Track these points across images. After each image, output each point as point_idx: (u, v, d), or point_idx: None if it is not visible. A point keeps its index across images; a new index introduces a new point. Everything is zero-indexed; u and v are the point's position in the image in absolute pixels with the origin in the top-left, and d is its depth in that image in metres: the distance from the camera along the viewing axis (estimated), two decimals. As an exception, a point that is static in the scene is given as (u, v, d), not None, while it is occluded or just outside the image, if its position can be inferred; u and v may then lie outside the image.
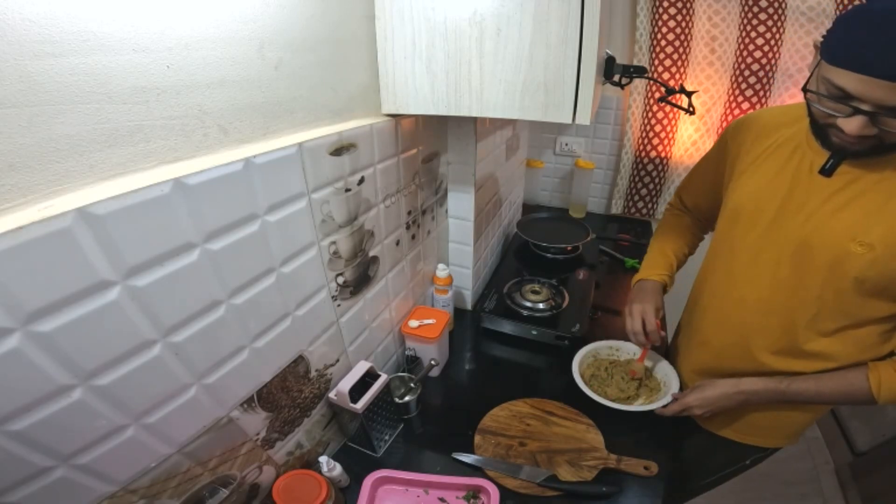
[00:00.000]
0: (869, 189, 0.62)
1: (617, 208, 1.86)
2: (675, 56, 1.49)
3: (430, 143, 0.94)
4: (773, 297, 0.74)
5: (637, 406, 0.88)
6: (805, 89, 0.61)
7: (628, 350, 1.03)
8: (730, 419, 0.90)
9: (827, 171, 0.65)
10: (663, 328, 0.97)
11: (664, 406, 0.86)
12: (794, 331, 0.73)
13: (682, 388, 0.91)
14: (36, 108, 0.35)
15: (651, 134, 1.64)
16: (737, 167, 0.81)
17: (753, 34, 1.42)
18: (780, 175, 0.72)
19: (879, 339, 0.70)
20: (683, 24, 1.45)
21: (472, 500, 0.76)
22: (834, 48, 0.53)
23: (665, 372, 0.96)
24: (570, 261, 1.44)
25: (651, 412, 0.87)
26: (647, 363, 1.00)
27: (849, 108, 0.54)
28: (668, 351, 1.09)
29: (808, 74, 0.62)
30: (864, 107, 0.52)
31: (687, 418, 0.87)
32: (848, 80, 0.52)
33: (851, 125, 0.54)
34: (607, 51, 0.85)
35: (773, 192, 0.72)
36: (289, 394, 0.69)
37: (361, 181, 0.73)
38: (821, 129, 0.62)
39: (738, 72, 1.49)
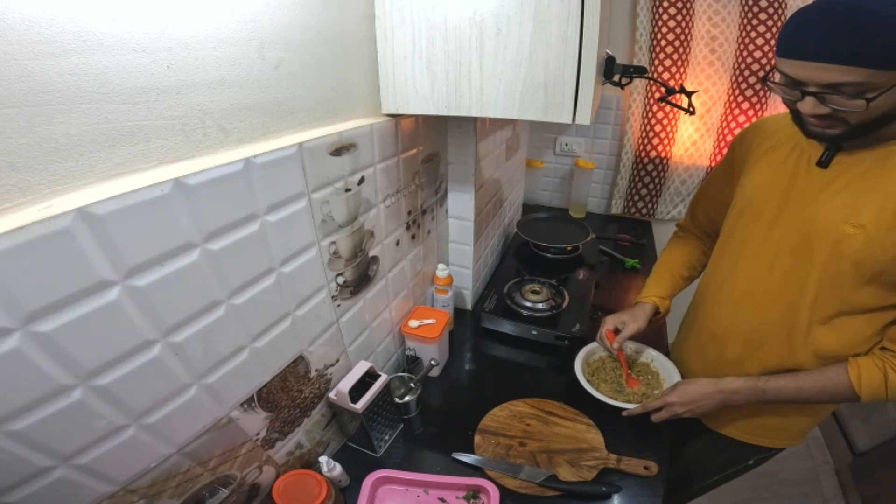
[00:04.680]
0: (860, 176, 0.65)
1: (617, 208, 1.86)
2: (675, 56, 1.49)
3: (430, 143, 0.94)
4: (775, 287, 0.75)
5: (627, 404, 0.88)
6: (763, 79, 0.67)
7: (630, 347, 1.03)
8: (736, 419, 0.90)
9: (823, 163, 0.69)
10: (658, 342, 0.99)
11: (642, 405, 0.86)
12: (796, 319, 0.74)
13: None
14: (36, 108, 0.35)
15: (651, 134, 1.64)
16: (744, 168, 0.83)
17: (753, 34, 1.42)
18: (780, 170, 0.75)
19: (875, 331, 0.70)
20: (683, 24, 1.45)
21: (472, 500, 0.76)
22: (778, 42, 0.63)
23: (668, 372, 0.96)
24: (570, 261, 1.44)
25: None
26: (654, 366, 1.00)
27: (798, 91, 0.61)
28: (675, 349, 1.09)
29: None
30: (809, 88, 0.59)
31: (693, 419, 0.87)
32: (789, 67, 0.60)
33: (805, 106, 0.61)
34: (607, 51, 0.85)
35: (774, 186, 0.75)
36: (289, 394, 0.69)
37: (361, 181, 0.73)
38: (797, 119, 0.67)
39: (738, 72, 1.49)
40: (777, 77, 0.65)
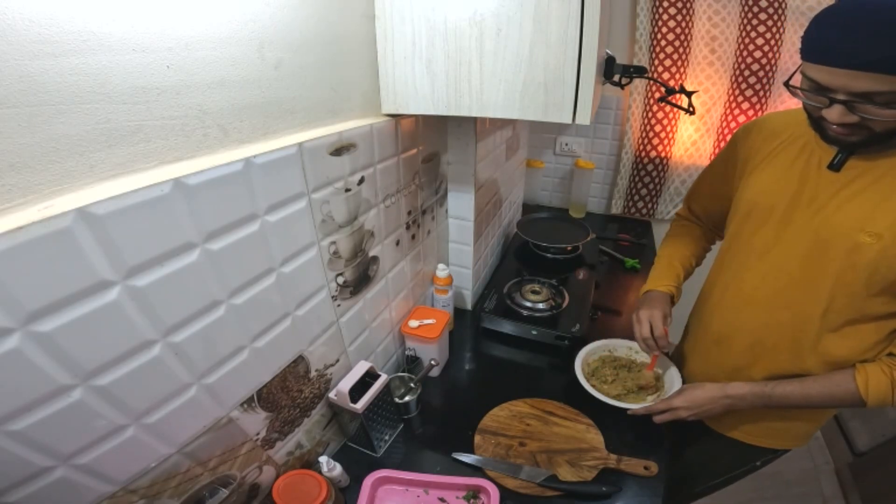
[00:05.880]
0: (875, 182, 0.63)
1: (617, 208, 1.86)
2: (675, 56, 1.49)
3: (430, 143, 0.94)
4: (783, 292, 0.75)
5: (629, 403, 0.88)
6: (786, 84, 0.65)
7: (631, 348, 1.03)
8: (741, 422, 0.90)
9: (835, 166, 0.67)
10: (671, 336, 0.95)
11: (647, 406, 0.86)
12: (805, 326, 0.73)
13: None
14: (36, 108, 0.35)
15: (651, 134, 1.64)
16: (747, 167, 0.81)
17: (753, 34, 1.42)
18: (789, 171, 0.73)
19: (883, 337, 0.70)
20: (683, 24, 1.45)
21: (472, 500, 0.76)
22: (805, 45, 0.59)
23: (668, 373, 0.96)
24: (570, 261, 1.44)
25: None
26: (656, 368, 1.00)
27: (826, 98, 0.57)
28: (676, 352, 1.09)
29: None
30: (838, 96, 0.56)
31: (696, 421, 0.87)
32: (818, 72, 0.57)
33: (832, 114, 0.58)
34: (607, 51, 0.85)
35: (783, 188, 0.73)
36: (289, 394, 0.69)
37: (361, 181, 0.73)
38: (816, 124, 0.64)
39: (738, 72, 1.49)
40: (799, 80, 0.62)
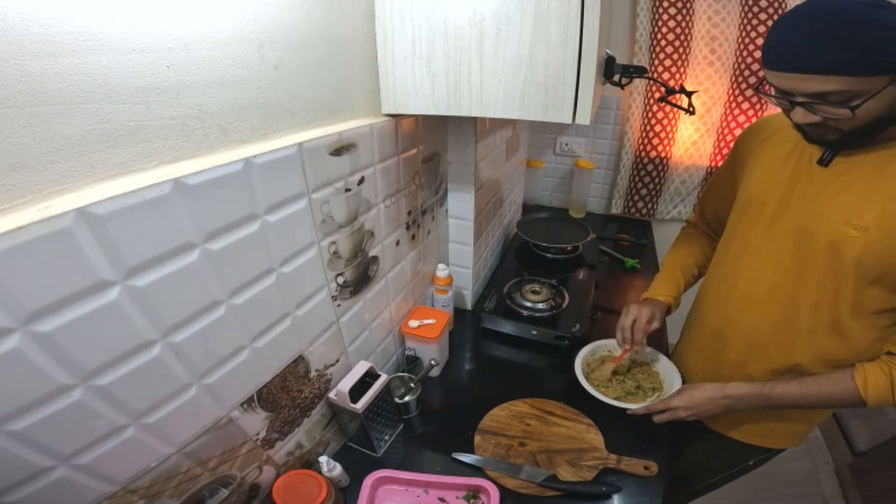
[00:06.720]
0: (863, 177, 0.64)
1: (617, 208, 1.86)
2: (675, 56, 1.49)
3: (430, 143, 0.94)
4: (776, 287, 0.75)
5: (629, 404, 0.88)
6: (756, 89, 0.69)
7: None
8: (737, 422, 0.90)
9: (824, 162, 0.68)
10: (659, 342, 0.99)
11: (646, 406, 0.86)
12: (797, 320, 0.74)
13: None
14: (36, 108, 0.35)
15: (651, 134, 1.64)
16: (746, 165, 0.83)
17: (753, 34, 1.42)
18: (782, 166, 0.75)
19: (879, 335, 0.70)
20: (683, 24, 1.45)
21: (472, 500, 0.76)
22: (762, 53, 0.62)
23: (668, 372, 0.96)
24: (570, 261, 1.44)
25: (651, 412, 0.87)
26: (655, 366, 1.00)
27: (787, 102, 0.61)
28: (675, 350, 1.09)
29: None
30: (797, 98, 0.59)
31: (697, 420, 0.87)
32: (774, 78, 0.60)
33: (796, 116, 0.61)
34: (607, 51, 0.85)
35: (776, 184, 0.75)
36: (289, 394, 0.69)
37: (361, 181, 0.73)
38: (797, 125, 0.66)
39: (738, 72, 1.49)
40: (769, 87, 0.65)
